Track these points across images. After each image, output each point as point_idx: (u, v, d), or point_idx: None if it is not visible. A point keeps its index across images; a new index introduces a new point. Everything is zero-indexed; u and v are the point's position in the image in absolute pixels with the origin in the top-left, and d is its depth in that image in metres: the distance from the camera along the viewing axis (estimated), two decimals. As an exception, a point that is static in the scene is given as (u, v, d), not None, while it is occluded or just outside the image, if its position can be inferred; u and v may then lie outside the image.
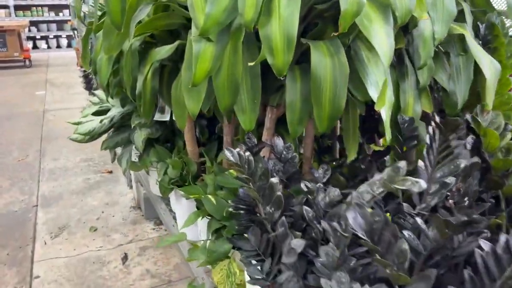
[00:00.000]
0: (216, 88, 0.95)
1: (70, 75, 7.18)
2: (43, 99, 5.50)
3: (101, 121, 1.73)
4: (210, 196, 1.23)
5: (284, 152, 0.97)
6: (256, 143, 1.07)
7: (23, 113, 4.80)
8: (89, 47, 1.77)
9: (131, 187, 2.93)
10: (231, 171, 1.26)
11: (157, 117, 1.62)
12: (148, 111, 1.27)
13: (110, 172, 3.21)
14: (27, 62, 7.92)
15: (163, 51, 1.18)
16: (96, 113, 1.80)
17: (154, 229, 2.43)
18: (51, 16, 10.11)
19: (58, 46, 10.34)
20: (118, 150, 1.93)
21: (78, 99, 5.45)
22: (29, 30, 9.72)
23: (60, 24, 10.33)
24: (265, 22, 0.83)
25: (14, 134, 4.06)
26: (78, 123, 1.95)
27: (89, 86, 4.87)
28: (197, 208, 1.34)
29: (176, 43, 1.19)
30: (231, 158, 0.83)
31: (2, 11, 9.59)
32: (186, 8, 1.18)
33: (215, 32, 0.86)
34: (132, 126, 1.62)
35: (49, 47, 10.25)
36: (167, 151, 1.66)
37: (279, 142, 0.98)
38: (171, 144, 1.84)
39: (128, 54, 1.22)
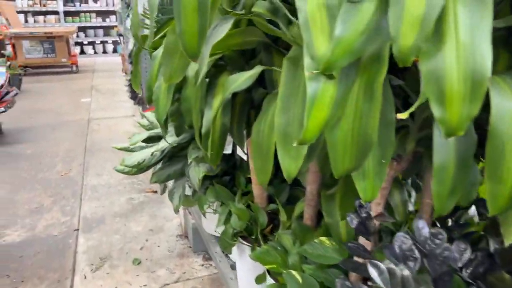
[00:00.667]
0: (331, 145, 0.64)
1: (115, 81, 7.14)
2: (89, 106, 5.43)
3: (152, 154, 1.47)
4: (294, 273, 0.92)
5: (430, 243, 0.65)
6: (370, 213, 0.75)
7: (68, 122, 4.72)
8: (136, 65, 1.52)
9: (177, 211, 2.68)
10: (322, 239, 0.95)
11: (218, 150, 1.34)
12: (216, 156, 0.98)
13: (155, 192, 2.98)
14: (74, 68, 8.00)
15: (241, 80, 0.89)
16: (146, 140, 1.55)
17: (203, 265, 2.15)
18: (98, 21, 10.25)
19: (104, 52, 10.46)
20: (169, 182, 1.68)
21: (123, 108, 5.34)
22: (77, 36, 9.88)
23: (107, 30, 10.45)
24: (433, 51, 0.51)
25: (59, 145, 3.94)
26: (125, 149, 1.71)
27: (134, 95, 4.72)
28: (270, 274, 1.03)
29: (259, 69, 0.89)
30: (377, 280, 0.52)
31: (52, 17, 9.81)
32: (272, 23, 0.88)
33: (343, 65, 0.56)
34: (189, 161, 1.36)
35: (95, 53, 10.39)
36: (228, 192, 1.37)
37: (422, 224, 0.66)
38: (231, 178, 1.56)
39: (195, 82, 0.94)
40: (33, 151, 3.77)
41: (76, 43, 9.86)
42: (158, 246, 2.33)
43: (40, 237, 2.41)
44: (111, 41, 10.43)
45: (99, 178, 3.22)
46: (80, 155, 3.68)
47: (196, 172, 1.37)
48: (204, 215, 1.48)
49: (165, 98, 1.03)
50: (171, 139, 1.48)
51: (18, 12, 8.99)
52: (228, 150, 1.40)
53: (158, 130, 1.61)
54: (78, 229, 2.50)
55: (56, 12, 9.76)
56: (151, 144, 1.61)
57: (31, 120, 4.78)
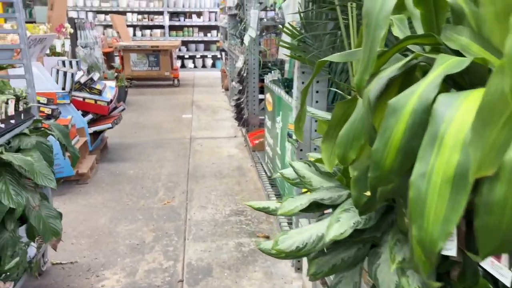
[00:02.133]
0: None
1: (215, 98, 6.99)
2: (190, 124, 5.24)
3: (319, 240, 0.98)
4: None
5: None
6: None
7: (171, 140, 4.52)
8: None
9: (298, 268, 2.17)
10: None
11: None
12: None
13: (267, 237, 2.51)
14: (176, 81, 8.06)
15: None
16: (309, 209, 1.06)
17: None
18: (200, 36, 10.39)
19: (204, 66, 10.56)
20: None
21: (224, 127, 5.05)
22: (179, 50, 10.08)
23: (207, 45, 10.55)
24: None
25: (162, 166, 3.70)
26: (265, 211, 1.23)
27: (239, 117, 4.37)
28: None
29: None
30: None
31: (158, 31, 10.15)
32: None
33: None
34: (393, 267, 0.83)
35: (195, 67, 10.53)
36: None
37: None
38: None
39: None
40: (136, 172, 3.56)
41: (178, 57, 10.05)
42: (279, 321, 1.83)
43: (141, 287, 2.05)
44: (210, 56, 10.50)
45: (203, 211, 2.85)
46: (182, 181, 3.37)
47: (401, 283, 0.83)
48: None
49: (442, 209, 0.51)
50: (349, 218, 0.97)
51: (128, 26, 9.41)
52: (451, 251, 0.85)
53: (321, 195, 1.11)
54: (182, 280, 2.10)
55: (162, 27, 10.08)
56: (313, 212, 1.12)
57: (135, 136, 4.68)
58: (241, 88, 4.25)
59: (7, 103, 1.71)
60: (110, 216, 2.77)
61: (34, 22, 7.32)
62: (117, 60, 7.86)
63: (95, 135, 3.81)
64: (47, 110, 3.18)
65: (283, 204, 1.11)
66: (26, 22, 6.38)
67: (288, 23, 1.71)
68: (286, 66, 2.72)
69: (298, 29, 1.74)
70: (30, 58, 2.01)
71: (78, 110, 3.57)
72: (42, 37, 3.64)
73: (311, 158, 1.64)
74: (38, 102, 3.06)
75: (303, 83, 1.89)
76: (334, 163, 0.99)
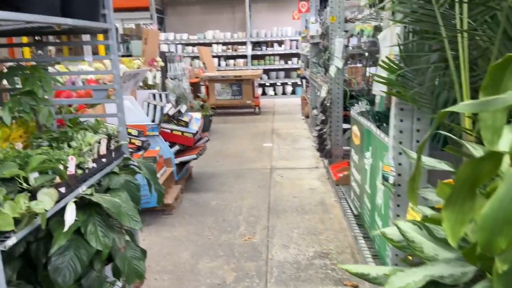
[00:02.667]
0: None
1: (295, 126, 6.90)
2: (270, 153, 5.18)
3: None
4: None
5: None
6: None
7: (252, 170, 4.49)
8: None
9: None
10: None
11: None
12: None
13: (356, 287, 2.28)
14: (257, 109, 8.14)
15: None
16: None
17: None
18: (281, 64, 10.48)
19: (284, 93, 10.60)
20: None
21: (305, 157, 4.91)
22: (260, 78, 10.25)
23: (288, 72, 10.60)
24: None
25: (243, 198, 3.65)
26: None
27: (321, 148, 4.20)
28: None
29: None
30: None
31: (241, 60, 10.45)
32: None
33: None
34: None
35: (275, 94, 10.61)
36: None
37: None
38: None
39: None
40: (218, 203, 3.55)
41: (259, 85, 10.22)
42: None
43: (221, 334, 1.95)
44: (290, 83, 10.53)
45: (285, 251, 2.70)
46: (263, 215, 3.27)
47: None
48: None
49: None
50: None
51: (213, 57, 9.83)
52: None
53: (440, 271, 0.91)
54: (263, 331, 1.96)
55: (244, 56, 10.37)
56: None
57: (217, 165, 4.73)
58: (324, 118, 4.09)
59: (99, 142, 1.76)
60: (192, 250, 2.74)
61: (131, 55, 7.97)
62: (203, 90, 8.20)
63: (181, 165, 3.91)
64: (138, 142, 3.32)
65: (390, 279, 0.92)
66: (124, 56, 6.90)
67: (386, 56, 1.55)
68: (377, 98, 2.53)
69: (397, 62, 1.57)
70: (123, 97, 2.08)
71: (166, 141, 3.69)
72: (136, 72, 3.86)
73: (415, 214, 1.43)
74: (130, 134, 3.21)
75: (401, 121, 1.69)
76: (459, 235, 0.80)
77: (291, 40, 10.28)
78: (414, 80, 1.55)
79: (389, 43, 1.68)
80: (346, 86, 3.91)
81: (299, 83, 9.89)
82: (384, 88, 1.67)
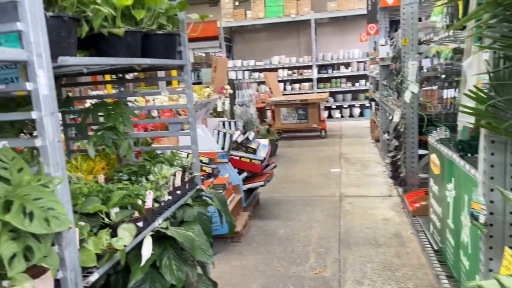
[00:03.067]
0: None
1: (364, 149, 6.67)
2: (338, 179, 5.03)
3: None
4: None
5: None
6: None
7: (319, 197, 4.38)
8: None
9: None
10: None
11: None
12: None
13: (440, 333, 2.07)
14: (323, 133, 8.02)
15: None
16: None
17: None
18: (348, 86, 10.30)
19: (351, 115, 10.37)
20: None
21: (376, 184, 4.69)
22: (326, 101, 10.14)
23: (355, 94, 10.38)
24: None
25: (312, 227, 3.55)
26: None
27: (395, 175, 3.99)
28: None
29: None
30: None
31: (307, 84, 10.44)
32: None
33: None
34: None
35: (342, 116, 10.40)
36: None
37: None
38: None
39: None
40: (286, 232, 3.49)
41: (325, 107, 10.10)
42: None
43: None
44: (358, 105, 10.27)
45: None
46: (334, 247, 3.14)
47: None
48: None
49: None
50: None
51: (279, 81, 9.93)
52: None
53: None
54: None
55: (310, 80, 10.35)
56: None
57: (284, 191, 4.68)
58: (397, 144, 3.90)
59: (175, 175, 1.80)
60: (261, 282, 2.69)
61: (201, 83, 8.32)
62: (269, 114, 8.27)
63: (249, 191, 3.92)
64: (208, 169, 3.39)
65: None
66: (194, 83, 7.23)
67: (474, 85, 1.42)
68: (459, 126, 2.34)
69: (486, 91, 1.43)
70: (196, 128, 2.13)
71: (234, 168, 3.73)
72: (207, 101, 3.99)
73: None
74: (201, 161, 3.30)
75: (492, 154, 1.53)
76: None
77: (358, 62, 10.09)
78: (507, 110, 1.40)
79: (477, 71, 1.54)
80: (421, 110, 3.70)
81: (367, 104, 9.61)
82: (471, 119, 1.53)
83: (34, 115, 1.00)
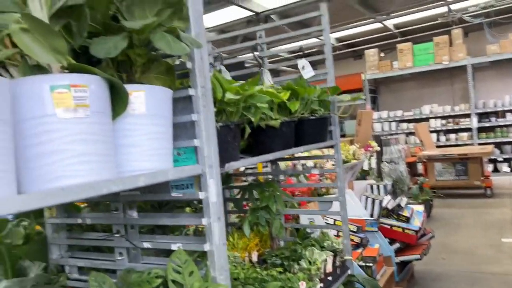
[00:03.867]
0: None
1: (546, 215, 5.55)
2: (514, 252, 4.24)
3: None
4: None
5: None
6: None
7: (489, 275, 3.74)
8: None
9: None
10: None
11: None
12: None
13: None
14: (488, 191, 6.99)
15: None
16: None
17: None
18: (516, 135, 8.92)
19: (524, 170, 8.86)
20: None
21: None
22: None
23: (528, 145, 8.89)
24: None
25: (481, 315, 3.03)
26: None
27: None
28: None
29: None
30: None
31: (464, 134, 9.41)
32: None
33: None
34: None
35: (511, 171, 8.97)
36: None
37: None
38: None
39: None
40: (448, 318, 3.03)
41: (489, 160, 8.87)
42: None
43: None
44: (532, 157, 8.76)
45: None
46: None
47: None
48: None
49: None
50: None
51: (431, 132, 9.19)
52: None
53: None
54: None
55: (468, 129, 9.32)
56: None
57: (443, 263, 4.15)
58: None
59: (326, 260, 1.75)
60: None
61: (344, 135, 8.26)
62: (419, 166, 7.63)
63: (402, 264, 3.58)
64: (357, 239, 3.23)
65: None
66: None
67: None
68: None
69: None
70: (345, 194, 2.07)
71: (385, 237, 3.48)
72: (353, 164, 3.91)
73: None
74: (349, 230, 3.18)
75: None
76: None
77: (531, 108, 8.71)
78: None
79: None
80: None
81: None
82: None
83: (204, 221, 1.10)
